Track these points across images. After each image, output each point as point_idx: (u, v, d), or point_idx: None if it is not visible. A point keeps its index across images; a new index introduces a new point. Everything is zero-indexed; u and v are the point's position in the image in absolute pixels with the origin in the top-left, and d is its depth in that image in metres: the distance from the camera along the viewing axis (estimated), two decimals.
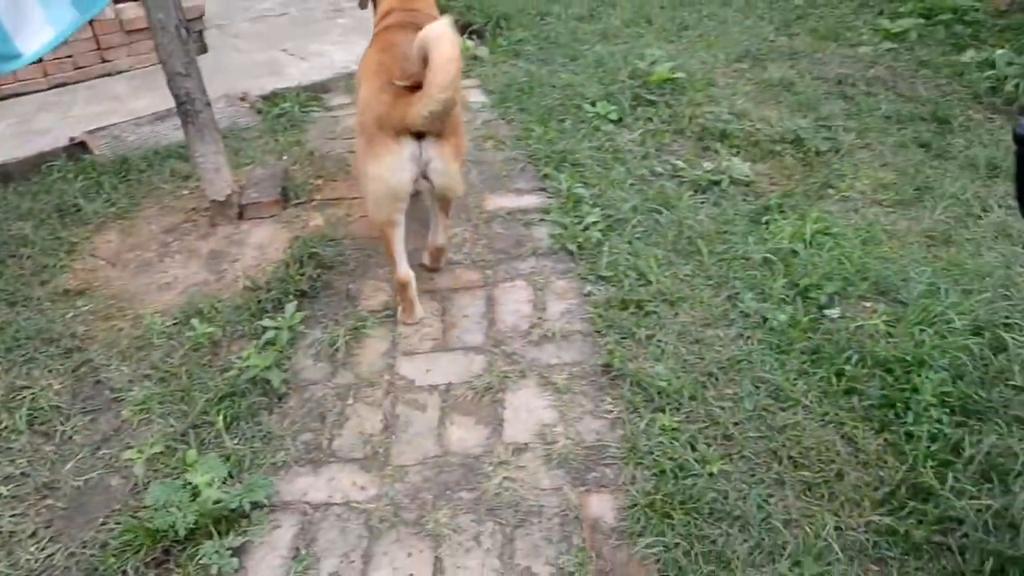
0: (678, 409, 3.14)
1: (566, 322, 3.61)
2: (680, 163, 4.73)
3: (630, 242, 4.05)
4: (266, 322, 3.52)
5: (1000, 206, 4.33)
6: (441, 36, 2.79)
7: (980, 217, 4.26)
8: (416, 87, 2.95)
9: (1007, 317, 3.45)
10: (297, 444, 3.08)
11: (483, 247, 4.13)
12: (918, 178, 4.58)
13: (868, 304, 3.64)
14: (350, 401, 3.27)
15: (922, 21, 6.48)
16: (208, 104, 4.03)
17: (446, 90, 2.85)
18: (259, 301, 3.70)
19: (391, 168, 3.11)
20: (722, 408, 3.13)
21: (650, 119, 5.20)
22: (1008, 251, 3.97)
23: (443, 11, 6.06)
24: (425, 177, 3.19)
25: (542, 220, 4.30)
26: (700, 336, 3.48)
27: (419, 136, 3.08)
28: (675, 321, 3.56)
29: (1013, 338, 3.33)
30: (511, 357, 3.44)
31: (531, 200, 4.48)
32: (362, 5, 4.22)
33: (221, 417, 3.13)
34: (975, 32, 6.26)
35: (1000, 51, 5.73)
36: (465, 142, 3.40)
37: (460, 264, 4.01)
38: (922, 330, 3.39)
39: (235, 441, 3.07)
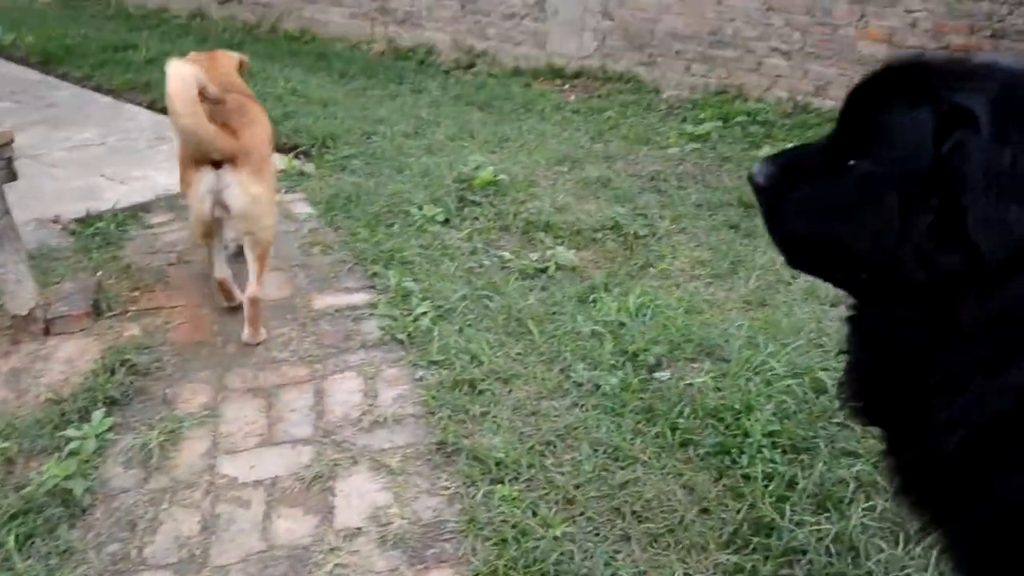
0: (517, 478, 3.02)
1: (398, 407, 3.47)
2: (507, 255, 4.77)
3: (461, 329, 3.99)
4: (70, 432, 3.19)
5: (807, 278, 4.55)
6: (169, 73, 3.20)
7: (790, 283, 4.46)
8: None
9: (823, 362, 3.57)
10: (102, 556, 2.74)
11: (311, 343, 3.96)
12: (731, 254, 4.79)
13: (695, 364, 3.69)
14: (164, 505, 2.97)
15: (721, 124, 6.96)
16: (7, 212, 3.76)
17: (179, 117, 3.25)
18: (63, 413, 3.37)
19: (194, 196, 3.58)
20: (561, 473, 3.04)
21: (476, 218, 5.25)
22: (817, 309, 4.16)
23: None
24: (223, 204, 3.56)
25: (371, 315, 4.19)
26: (536, 408, 3.41)
27: (217, 165, 3.50)
28: (509, 397, 3.49)
29: (831, 381, 3.43)
30: (341, 445, 3.25)
31: (360, 297, 4.38)
32: None
33: (12, 537, 2.76)
34: (767, 131, 6.77)
35: (789, 145, 6.17)
36: (271, 172, 3.82)
37: (286, 361, 3.82)
38: (747, 380, 3.45)
39: (27, 561, 2.70)
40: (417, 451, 3.20)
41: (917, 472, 1.72)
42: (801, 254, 1.80)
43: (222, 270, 4.05)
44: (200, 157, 3.44)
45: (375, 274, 4.58)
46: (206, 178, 3.48)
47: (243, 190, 3.49)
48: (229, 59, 4.27)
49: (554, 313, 4.13)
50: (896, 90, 1.59)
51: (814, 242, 1.71)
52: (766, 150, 6.41)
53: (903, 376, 1.62)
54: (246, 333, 3.89)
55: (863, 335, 1.74)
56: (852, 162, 1.62)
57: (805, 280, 4.47)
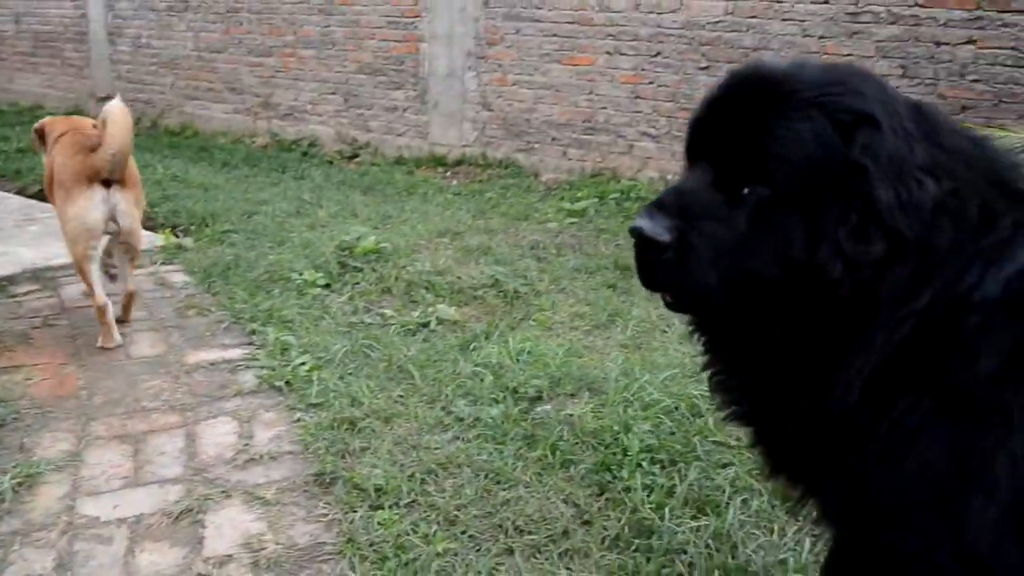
0: (397, 504, 2.95)
1: (274, 445, 3.36)
2: (389, 312, 4.76)
3: (342, 376, 3.93)
4: None
5: (681, 323, 4.71)
6: (115, 107, 4.04)
7: (665, 331, 4.59)
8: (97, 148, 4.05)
9: (697, 389, 3.65)
10: None
11: (183, 393, 3.81)
12: (608, 308, 4.90)
13: (575, 398, 3.73)
14: (15, 547, 2.75)
15: (597, 201, 7.23)
16: None
17: (117, 139, 3.98)
18: None
19: (86, 208, 4.05)
20: (443, 497, 2.98)
21: (358, 282, 5.24)
22: (692, 350, 4.27)
23: (148, 217, 5.95)
24: (114, 220, 4.13)
25: (248, 366, 4.08)
26: (417, 442, 3.36)
27: (107, 184, 4.08)
28: (390, 433, 3.43)
29: (705, 404, 3.51)
30: (213, 482, 3.10)
31: (236, 352, 4.27)
32: (35, 150, 4.76)
33: None
34: (641, 205, 7.04)
35: None
36: (143, 198, 4.46)
37: (156, 410, 3.66)
38: (625, 406, 3.50)
39: None
40: (293, 483, 3.09)
41: (796, 446, 1.77)
42: (715, 299, 1.65)
43: (102, 295, 4.25)
44: (100, 175, 4.06)
45: (253, 331, 4.48)
46: (99, 193, 4.08)
47: (129, 209, 4.18)
48: (89, 122, 4.63)
49: (436, 360, 4.12)
50: (767, 106, 1.59)
51: (730, 284, 1.61)
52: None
53: (797, 364, 1.65)
54: (121, 311, 4.51)
55: (750, 342, 1.71)
56: (746, 190, 1.60)
57: (680, 328, 4.62)
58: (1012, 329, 1.52)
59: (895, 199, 1.52)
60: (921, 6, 6.20)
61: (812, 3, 6.62)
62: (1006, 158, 1.68)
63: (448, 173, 8.71)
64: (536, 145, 8.37)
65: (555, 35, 8.02)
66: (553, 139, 8.26)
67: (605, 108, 7.86)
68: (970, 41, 6.05)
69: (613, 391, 3.64)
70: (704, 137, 1.67)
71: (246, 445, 3.35)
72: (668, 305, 1.74)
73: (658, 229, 1.59)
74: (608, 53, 7.76)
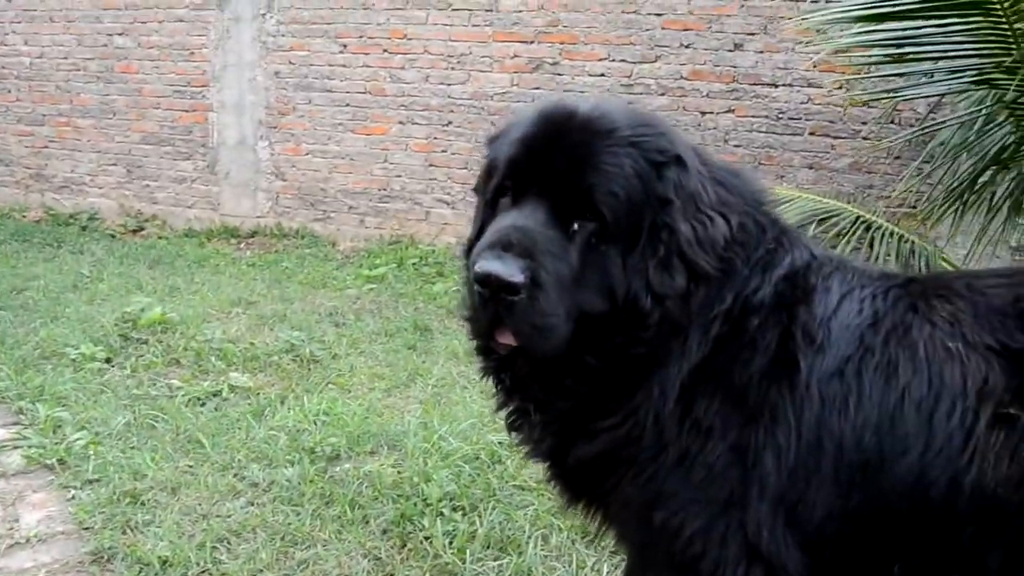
0: (186, 574, 2.77)
1: (45, 527, 3.08)
2: (177, 383, 4.54)
3: (123, 450, 3.68)
4: None
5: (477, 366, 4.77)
6: None
7: (466, 387, 4.64)
8: None
9: (498, 439, 3.70)
10: None
11: None
12: (409, 368, 4.90)
13: (374, 455, 3.69)
14: None
15: (395, 267, 7.28)
16: None
17: None
18: None
19: None
20: (237, 564, 2.84)
21: (142, 355, 4.97)
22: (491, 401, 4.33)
23: None
24: None
25: (15, 446, 3.73)
26: (207, 511, 3.20)
27: None
28: (177, 503, 3.25)
29: (507, 453, 3.56)
30: None
31: (0, 433, 3.89)
32: None
33: None
34: (439, 270, 7.19)
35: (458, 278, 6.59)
36: None
37: None
38: (424, 458, 3.49)
39: None
40: (67, 565, 2.84)
41: (598, 468, 1.83)
42: (558, 332, 1.68)
43: None
44: None
45: (21, 410, 4.12)
46: None
47: None
48: None
49: (228, 428, 3.95)
50: (589, 143, 1.69)
51: (569, 319, 1.67)
52: (439, 286, 6.76)
53: (608, 385, 1.75)
54: None
55: (562, 373, 1.76)
56: (576, 225, 1.67)
57: (482, 385, 4.67)
58: (778, 327, 1.69)
59: (692, 234, 1.69)
60: (686, 79, 6.77)
61: (590, 75, 7.07)
62: (755, 183, 1.89)
63: (242, 244, 8.48)
64: (332, 214, 8.33)
65: (348, 105, 8.09)
66: (350, 208, 8.26)
67: (400, 176, 7.97)
68: (730, 110, 6.66)
69: (412, 444, 3.63)
70: (529, 175, 1.71)
71: (10, 530, 3.05)
72: (505, 352, 1.73)
73: (512, 270, 1.60)
74: (401, 123, 7.91)
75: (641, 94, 6.92)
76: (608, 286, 1.68)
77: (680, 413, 1.71)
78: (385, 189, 8.09)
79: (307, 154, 8.37)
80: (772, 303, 1.74)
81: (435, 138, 7.76)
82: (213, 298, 6.27)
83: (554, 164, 1.68)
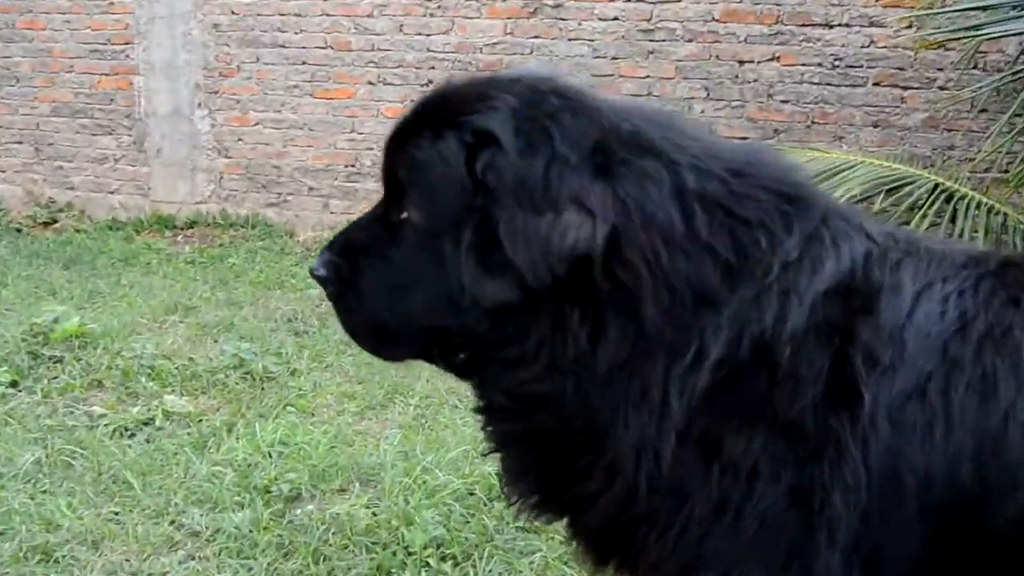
0: None
1: None
2: (100, 410, 4.54)
3: (32, 495, 3.67)
4: None
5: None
6: None
7: (456, 406, 4.61)
8: None
9: (496, 473, 3.66)
10: None
11: None
12: (385, 385, 4.89)
13: (344, 493, 3.68)
14: None
15: None
16: None
17: None
18: None
19: None
20: None
21: (56, 376, 4.96)
22: None
23: None
24: None
25: None
26: (136, 569, 3.21)
27: None
28: (100, 560, 3.24)
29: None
30: None
31: None
32: None
33: None
34: None
35: None
36: None
37: None
38: (406, 495, 3.47)
39: None
40: None
41: (614, 530, 1.81)
42: (391, 340, 1.89)
43: None
44: None
45: None
46: None
47: None
48: None
49: (162, 464, 3.95)
50: (420, 127, 1.76)
51: (398, 322, 1.82)
52: None
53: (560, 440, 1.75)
54: None
55: (499, 420, 1.84)
56: (403, 215, 1.77)
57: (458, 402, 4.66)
58: (826, 352, 1.64)
59: (512, 227, 1.62)
60: (719, 21, 6.73)
61: (600, 19, 7.03)
62: (776, 164, 1.83)
63: (179, 237, 8.50)
64: (289, 197, 8.32)
65: (304, 63, 8.07)
66: (310, 189, 8.24)
67: (371, 148, 7.94)
68: (774, 58, 6.62)
69: (391, 479, 3.62)
70: (383, 159, 1.85)
71: None
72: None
73: (317, 264, 1.85)
74: (370, 83, 7.89)
75: (663, 41, 6.89)
76: (447, 293, 1.73)
77: (703, 457, 1.68)
78: (353, 165, 8.08)
79: (256, 124, 8.36)
80: (813, 328, 1.68)
81: (412, 100, 7.70)
82: (143, 304, 6.27)
83: (385, 155, 1.84)
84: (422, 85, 7.66)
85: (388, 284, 1.80)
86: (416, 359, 1.91)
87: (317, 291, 6.67)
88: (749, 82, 6.72)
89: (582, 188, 1.62)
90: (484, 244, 1.65)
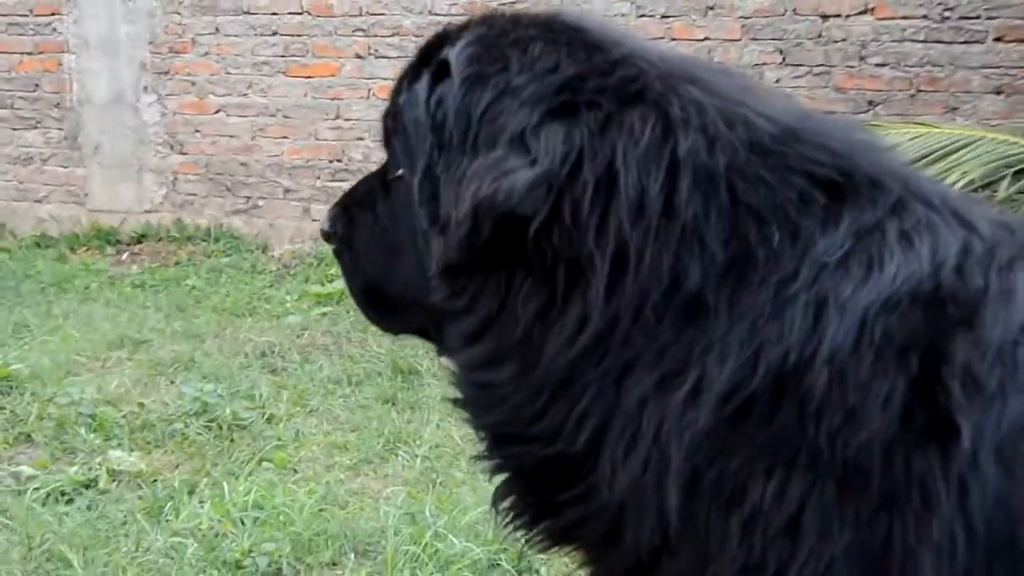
0: None
1: None
2: (29, 470, 4.58)
3: None
4: None
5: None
6: None
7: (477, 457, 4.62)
8: None
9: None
10: None
11: None
12: (385, 433, 4.93)
13: (336, 566, 3.71)
14: None
15: None
16: None
17: None
18: None
19: None
20: None
21: None
22: None
23: None
24: None
25: None
26: None
27: None
28: None
29: (541, 556, 3.54)
30: None
31: None
32: None
33: None
34: None
35: None
36: None
37: None
38: (413, 568, 3.50)
39: None
40: None
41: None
42: (386, 308, 2.10)
43: None
44: None
45: None
46: None
47: None
48: None
49: (108, 536, 3.99)
50: (409, 69, 1.92)
51: (390, 288, 2.01)
52: None
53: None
54: None
55: (462, 413, 1.90)
56: (398, 172, 1.91)
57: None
58: (898, 375, 1.59)
59: (445, 171, 1.71)
60: None
61: None
62: (853, 136, 1.80)
63: (123, 255, 8.58)
64: (261, 202, 8.38)
65: (275, 32, 8.15)
66: (287, 191, 8.30)
67: (362, 138, 7.99)
68: (866, 10, 6.62)
69: (393, 548, 3.64)
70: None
71: None
72: None
73: (326, 218, 2.08)
74: (359, 56, 7.95)
75: None
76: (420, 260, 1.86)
77: (722, 510, 1.65)
78: (340, 159, 8.13)
79: (217, 111, 8.44)
80: (870, 347, 1.63)
81: None
82: (81, 339, 6.32)
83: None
84: None
85: (379, 245, 2.01)
86: (416, 335, 2.05)
87: (296, 318, 6.74)
88: (836, 42, 6.71)
89: (527, 126, 1.65)
90: (432, 194, 1.74)
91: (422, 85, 1.81)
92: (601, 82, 1.69)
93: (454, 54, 1.76)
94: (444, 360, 1.92)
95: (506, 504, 1.89)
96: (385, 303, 2.06)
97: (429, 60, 1.84)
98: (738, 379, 1.58)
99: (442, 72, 1.77)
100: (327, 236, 2.11)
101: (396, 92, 1.93)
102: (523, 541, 1.87)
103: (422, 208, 1.75)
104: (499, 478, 1.87)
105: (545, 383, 1.66)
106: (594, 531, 1.74)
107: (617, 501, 1.65)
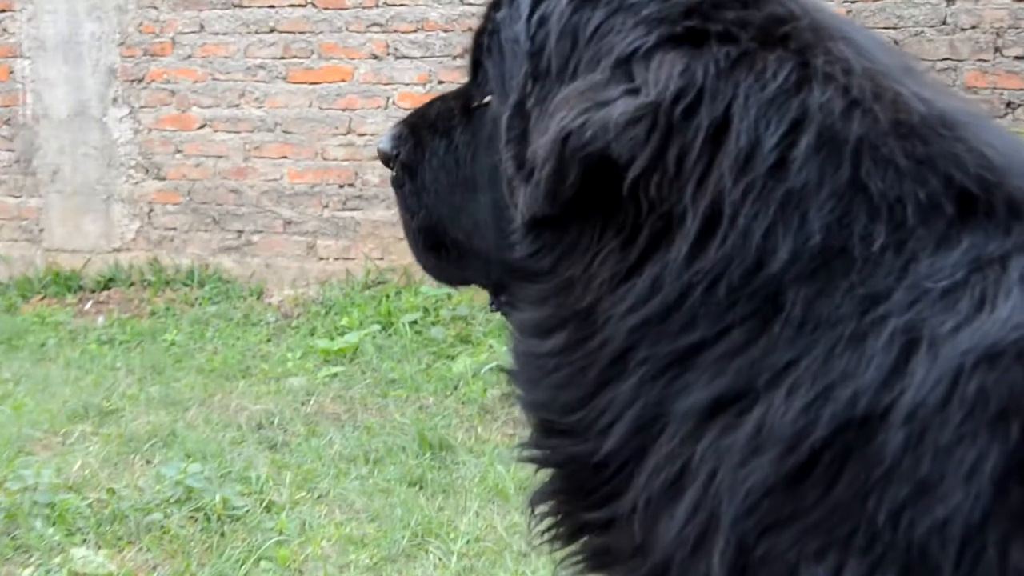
0: None
1: None
2: None
3: None
4: None
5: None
6: None
7: (525, 553, 4.58)
8: None
9: None
10: None
11: None
12: (412, 523, 4.88)
13: None
14: None
15: (379, 329, 7.27)
16: None
17: None
18: None
19: None
20: None
21: None
22: None
23: None
24: None
25: None
26: None
27: None
28: None
29: None
30: None
31: None
32: None
33: None
34: (461, 330, 7.14)
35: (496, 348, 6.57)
36: None
37: None
38: None
39: None
40: None
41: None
42: (448, 255, 2.15)
43: None
44: None
45: None
46: None
47: None
48: None
49: None
50: None
51: (456, 232, 2.09)
52: (463, 362, 6.72)
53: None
54: None
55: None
56: (485, 99, 1.95)
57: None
58: (986, 442, 1.51)
59: (537, 103, 1.72)
60: None
61: None
62: (1017, 144, 1.74)
63: (88, 304, 8.59)
64: (255, 237, 8.38)
65: (273, 30, 8.18)
66: (287, 224, 8.29)
67: (376, 159, 7.96)
68: None
69: None
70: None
71: None
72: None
73: (387, 138, 2.15)
74: (375, 57, 7.96)
75: None
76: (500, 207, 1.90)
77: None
78: (352, 184, 8.12)
79: (202, 127, 8.47)
80: (965, 405, 1.56)
81: (441, 82, 7.76)
82: (37, 408, 6.33)
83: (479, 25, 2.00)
84: (454, 57, 7.70)
85: (451, 179, 2.07)
86: (474, 285, 2.20)
87: (300, 381, 6.72)
88: (964, 30, 6.65)
89: (639, 48, 1.62)
90: (522, 134, 1.75)
91: (527, 1, 1.82)
92: (743, 14, 1.66)
93: None
94: (501, 316, 2.01)
95: (542, 508, 1.90)
96: (447, 248, 2.12)
97: None
98: (802, 426, 1.52)
99: None
100: (386, 158, 2.15)
101: (494, 5, 1.94)
102: (557, 559, 1.86)
103: (509, 149, 1.76)
104: (542, 474, 1.89)
105: (596, 358, 1.66)
106: (613, 570, 1.75)
107: (644, 544, 1.63)
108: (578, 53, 1.68)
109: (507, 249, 1.86)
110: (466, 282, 2.25)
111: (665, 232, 1.59)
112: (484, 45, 1.95)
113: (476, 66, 1.99)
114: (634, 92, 1.56)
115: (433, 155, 2.06)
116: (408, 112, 2.22)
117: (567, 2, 1.71)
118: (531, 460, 1.88)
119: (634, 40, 1.61)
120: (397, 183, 2.15)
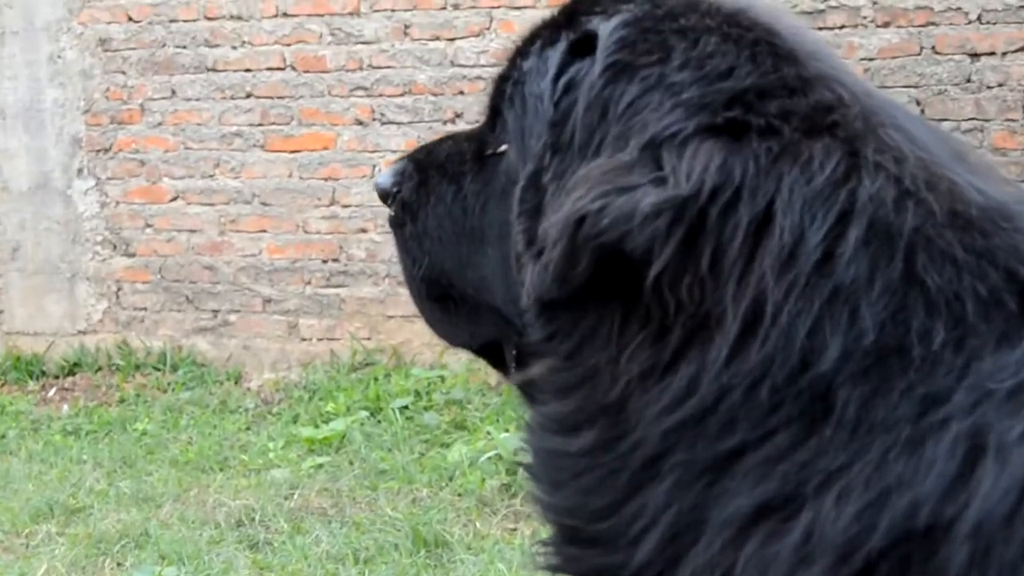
0: None
1: None
2: None
3: None
4: None
5: None
6: None
7: None
8: None
9: None
10: None
11: None
12: None
13: None
14: None
15: (367, 415, 7.23)
16: None
17: None
18: None
19: None
20: None
21: None
22: None
23: None
24: None
25: None
26: None
27: None
28: None
29: None
30: None
31: None
32: None
33: None
34: (457, 415, 7.10)
35: (505, 434, 6.52)
36: None
37: None
38: None
39: None
40: None
41: None
42: (452, 309, 2.10)
43: None
44: None
45: None
46: None
47: None
48: None
49: None
50: (543, 28, 1.95)
51: (461, 283, 2.05)
52: (459, 450, 6.68)
53: None
54: None
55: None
56: (501, 148, 1.94)
57: None
58: None
59: (553, 178, 1.70)
60: None
61: None
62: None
63: (51, 391, 8.56)
64: (232, 317, 8.35)
65: (250, 95, 8.18)
66: (267, 302, 8.26)
67: (365, 230, 7.96)
68: None
69: None
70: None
71: None
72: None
73: (387, 175, 2.13)
74: (359, 122, 7.96)
75: (841, 28, 6.88)
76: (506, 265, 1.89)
77: None
78: (336, 259, 8.09)
79: (174, 199, 8.46)
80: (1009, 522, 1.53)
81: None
82: None
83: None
84: (444, 122, 7.70)
85: (458, 228, 2.04)
86: (484, 355, 2.13)
87: (283, 473, 6.66)
88: (990, 87, 6.65)
89: (673, 133, 1.59)
90: (535, 208, 1.74)
91: (556, 54, 1.83)
92: (788, 103, 1.64)
93: (606, 29, 1.75)
94: (513, 388, 2.02)
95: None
96: (455, 301, 2.07)
97: (573, 23, 1.85)
98: (855, 533, 1.48)
99: (584, 47, 1.77)
100: (384, 194, 2.13)
101: (521, 53, 1.95)
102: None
103: (520, 223, 1.75)
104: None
105: (628, 461, 1.61)
106: None
107: None
108: (605, 127, 1.66)
109: (520, 316, 1.84)
110: (473, 344, 2.16)
111: (700, 332, 1.56)
112: (506, 94, 1.94)
113: (495, 113, 1.98)
114: (661, 182, 1.54)
115: (439, 200, 2.06)
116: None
117: (600, 72, 1.69)
118: (554, 569, 1.81)
119: (670, 124, 1.59)
120: (396, 222, 2.12)
